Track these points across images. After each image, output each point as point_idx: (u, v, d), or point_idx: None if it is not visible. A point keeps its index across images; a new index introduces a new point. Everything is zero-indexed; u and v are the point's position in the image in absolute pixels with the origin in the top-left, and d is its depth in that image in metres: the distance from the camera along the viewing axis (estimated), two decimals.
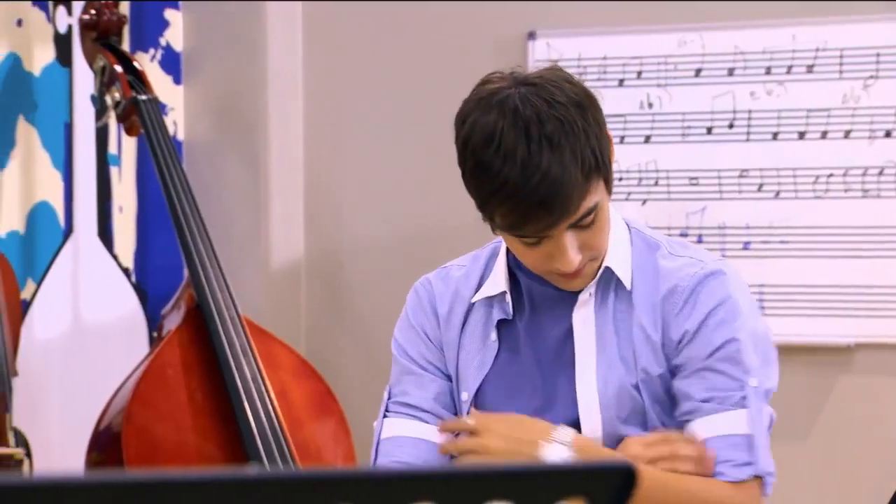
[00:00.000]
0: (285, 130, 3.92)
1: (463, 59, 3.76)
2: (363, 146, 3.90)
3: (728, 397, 2.10)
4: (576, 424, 2.13)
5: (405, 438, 2.18)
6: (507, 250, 2.17)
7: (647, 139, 3.62)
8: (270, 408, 3.32)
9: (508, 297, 2.16)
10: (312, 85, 3.93)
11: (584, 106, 2.02)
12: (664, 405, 2.13)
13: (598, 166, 2.02)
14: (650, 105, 3.61)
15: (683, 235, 3.56)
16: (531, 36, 3.68)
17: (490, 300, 2.18)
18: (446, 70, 3.78)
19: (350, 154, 3.92)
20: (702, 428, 2.10)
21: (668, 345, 2.12)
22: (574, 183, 1.99)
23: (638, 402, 2.12)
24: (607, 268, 2.13)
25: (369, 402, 3.71)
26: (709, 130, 3.58)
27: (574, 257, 2.05)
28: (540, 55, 3.66)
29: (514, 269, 2.17)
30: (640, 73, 3.61)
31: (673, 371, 2.13)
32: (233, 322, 3.36)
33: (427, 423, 2.19)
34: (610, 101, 3.59)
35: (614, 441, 2.12)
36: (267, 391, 3.33)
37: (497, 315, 2.17)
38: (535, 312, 2.16)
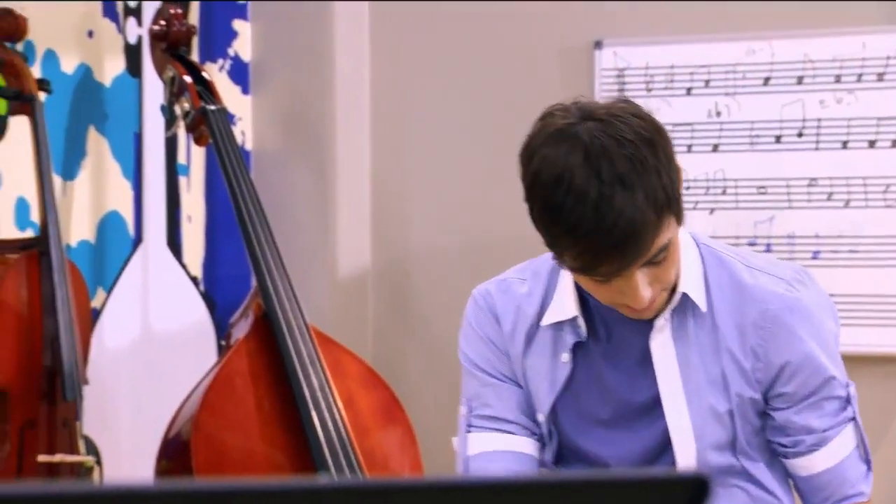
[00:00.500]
0: (352, 140, 3.94)
1: (530, 68, 3.76)
2: (429, 155, 3.91)
3: (843, 418, 2.13)
4: (661, 452, 2.11)
5: (497, 453, 2.14)
6: None
7: (715, 148, 3.60)
8: (337, 416, 3.33)
9: (581, 321, 2.12)
10: (379, 94, 3.94)
11: (653, 142, 1.96)
12: (753, 426, 2.12)
13: (670, 203, 1.96)
14: (718, 114, 3.59)
15: (751, 245, 3.53)
16: (598, 45, 3.67)
17: (559, 323, 2.13)
18: (513, 78, 3.78)
19: (416, 162, 3.92)
20: (830, 454, 2.11)
21: (762, 370, 2.09)
22: (648, 224, 1.93)
23: (729, 426, 2.10)
24: (683, 294, 2.08)
25: (436, 411, 3.72)
26: (777, 139, 3.56)
27: (645, 294, 2.00)
28: (607, 64, 3.65)
29: (583, 289, 2.11)
30: (708, 81, 3.59)
31: (768, 397, 2.10)
32: (300, 331, 3.37)
33: (514, 434, 2.15)
34: (677, 110, 3.59)
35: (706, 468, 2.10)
36: (334, 400, 3.34)
37: (570, 339, 2.12)
38: (609, 334, 2.12)
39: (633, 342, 2.10)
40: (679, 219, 2.00)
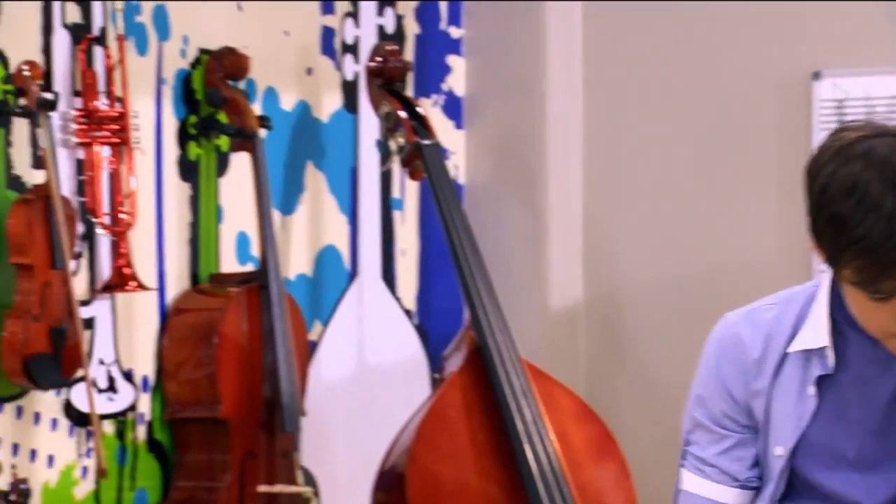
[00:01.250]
0: (564, 173, 3.94)
1: (747, 99, 3.71)
2: (642, 187, 3.88)
3: None
4: None
5: (698, 497, 2.13)
6: (830, 298, 2.07)
7: None
8: (550, 450, 3.32)
9: (829, 352, 2.07)
10: (591, 127, 3.94)
11: None
12: None
13: None
14: None
15: None
16: (816, 76, 3.61)
17: (808, 351, 2.09)
18: (729, 109, 3.74)
19: (629, 195, 3.90)
20: None
21: None
22: None
23: None
24: None
25: (651, 446, 3.68)
26: None
27: None
28: (825, 95, 3.59)
29: (839, 320, 2.07)
30: None
31: None
32: (513, 364, 3.38)
33: (717, 483, 2.12)
34: None
35: None
36: (547, 433, 3.33)
37: (816, 371, 2.08)
38: (862, 369, 2.07)
39: (887, 378, 2.05)
40: None
